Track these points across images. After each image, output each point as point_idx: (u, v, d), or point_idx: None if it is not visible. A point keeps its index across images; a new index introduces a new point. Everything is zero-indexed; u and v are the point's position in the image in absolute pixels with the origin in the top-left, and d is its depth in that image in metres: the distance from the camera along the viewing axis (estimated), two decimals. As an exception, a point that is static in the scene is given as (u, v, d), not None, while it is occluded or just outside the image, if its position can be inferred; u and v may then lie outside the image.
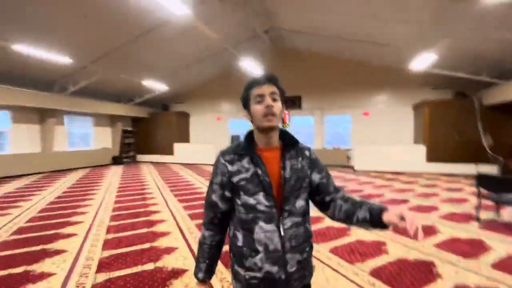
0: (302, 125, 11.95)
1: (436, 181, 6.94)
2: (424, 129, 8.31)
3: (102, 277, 2.30)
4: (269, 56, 10.68)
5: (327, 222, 3.67)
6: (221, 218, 0.99)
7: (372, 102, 9.99)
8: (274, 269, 0.89)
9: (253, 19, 7.74)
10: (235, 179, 0.93)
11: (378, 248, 2.86)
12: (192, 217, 3.92)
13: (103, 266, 2.49)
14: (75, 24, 6.17)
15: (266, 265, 0.89)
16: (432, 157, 8.20)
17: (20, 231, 3.43)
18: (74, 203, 4.88)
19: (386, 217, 0.83)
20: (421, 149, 8.33)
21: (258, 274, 0.90)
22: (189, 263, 2.53)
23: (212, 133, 12.48)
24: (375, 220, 0.86)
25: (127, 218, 3.97)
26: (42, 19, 5.71)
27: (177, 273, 2.37)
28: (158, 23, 6.74)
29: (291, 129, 11.36)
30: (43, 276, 2.32)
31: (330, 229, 3.41)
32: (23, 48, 5.69)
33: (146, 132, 12.58)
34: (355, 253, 2.75)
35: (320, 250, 2.80)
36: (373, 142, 9.37)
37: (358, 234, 3.23)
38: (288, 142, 1.01)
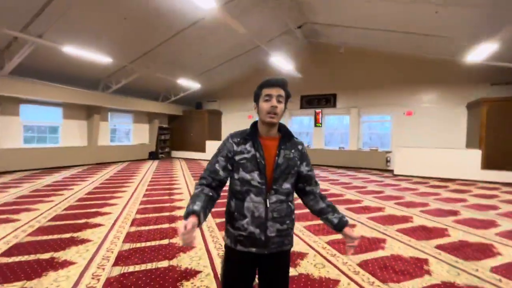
0: (336, 125, 11.35)
1: (493, 191, 5.99)
2: (480, 132, 7.25)
3: (117, 270, 2.29)
4: (302, 52, 10.29)
5: (359, 231, 3.31)
6: (217, 185, 1.17)
7: (417, 100, 9.05)
8: (257, 231, 1.12)
9: (286, 14, 7.48)
10: (238, 157, 1.15)
11: (418, 266, 2.45)
12: (214, 215, 3.84)
13: (120, 259, 2.49)
14: (116, 26, 6.54)
15: (251, 227, 1.12)
16: (489, 163, 7.13)
17: (56, 218, 3.67)
18: (108, 194, 5.14)
19: (347, 231, 1.17)
20: (476, 154, 7.28)
21: (244, 233, 1.12)
22: (203, 264, 2.42)
23: (243, 131, 12.44)
24: (338, 227, 1.19)
25: (152, 212, 4.03)
26: (87, 23, 6.13)
27: (189, 274, 2.26)
28: (191, 22, 6.85)
29: (325, 129, 10.84)
30: (65, 264, 2.39)
31: (361, 240, 3.05)
32: (72, 50, 6.17)
33: (181, 129, 13.04)
34: (389, 270, 2.38)
35: (348, 262, 2.49)
36: (417, 144, 8.46)
37: (394, 248, 2.83)
38: (285, 135, 1.22)
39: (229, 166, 1.17)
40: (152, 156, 12.06)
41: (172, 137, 13.32)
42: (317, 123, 10.76)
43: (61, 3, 5.09)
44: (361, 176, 7.93)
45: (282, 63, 7.99)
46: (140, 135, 12.02)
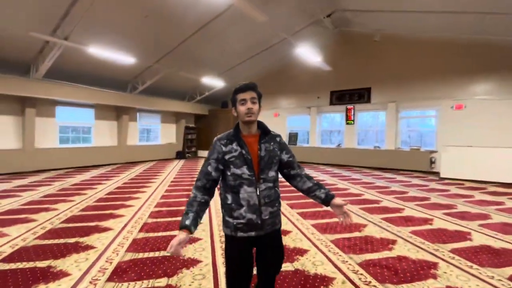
0: (370, 122, 10.39)
1: None
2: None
3: (109, 287, 2.01)
4: (331, 44, 9.55)
5: (368, 230, 2.69)
6: (211, 185, 1.34)
7: (468, 92, 7.82)
8: (253, 217, 1.31)
9: (313, 2, 6.87)
10: (227, 156, 1.32)
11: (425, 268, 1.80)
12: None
13: (117, 273, 2.22)
14: (138, 25, 6.50)
15: (248, 214, 1.30)
16: None
17: (70, 219, 3.58)
18: (127, 194, 5.06)
19: (335, 201, 1.43)
20: (548, 155, 6.00)
21: (243, 221, 1.30)
22: (206, 286, 2.04)
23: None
24: (326, 201, 1.44)
25: (165, 215, 3.79)
26: (109, 23, 6.16)
27: (187, 298, 1.90)
28: (212, 15, 6.58)
29: (357, 126, 9.96)
30: (58, 275, 2.17)
31: (369, 239, 2.44)
32: (97, 51, 6.26)
33: (207, 129, 12.99)
34: (398, 273, 1.78)
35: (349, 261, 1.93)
36: (468, 143, 7.29)
37: (451, 278, 2.18)
38: (263, 131, 1.41)
39: (220, 166, 1.33)
40: (179, 155, 12.16)
41: (199, 136, 13.35)
42: (348, 120, 9.93)
43: (84, 3, 5.12)
44: (400, 179, 7.03)
45: (309, 55, 7.36)
46: (167, 134, 12.19)
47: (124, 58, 6.84)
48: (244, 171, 1.30)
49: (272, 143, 1.39)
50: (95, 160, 9.10)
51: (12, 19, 5.32)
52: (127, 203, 4.45)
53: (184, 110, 11.85)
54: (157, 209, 4.11)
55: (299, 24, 7.85)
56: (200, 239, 2.49)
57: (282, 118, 11.76)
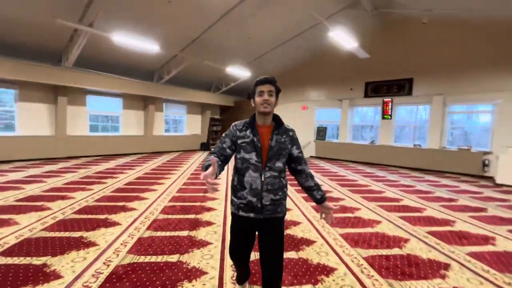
0: (409, 117, 9.34)
1: None
2: None
3: (98, 298, 1.74)
4: (369, 29, 8.59)
5: (382, 227, 2.10)
6: (223, 160, 1.43)
7: (538, 83, 6.54)
8: (254, 199, 1.40)
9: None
10: (239, 141, 1.43)
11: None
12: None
13: (110, 281, 1.94)
14: (162, 11, 6.27)
15: (249, 196, 1.40)
16: None
17: (82, 210, 3.46)
18: (145, 186, 4.92)
19: (327, 204, 1.55)
20: None
21: (244, 201, 1.42)
22: (207, 309, 1.68)
23: (295, 123, 11.39)
24: (319, 202, 1.55)
25: (178, 212, 3.52)
26: (133, 9, 6.00)
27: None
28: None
29: (395, 122, 8.99)
30: (49, 278, 1.95)
31: (413, 259, 1.87)
32: (121, 38, 6.16)
33: (232, 120, 12.36)
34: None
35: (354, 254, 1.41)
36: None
37: (460, 280, 1.58)
38: (278, 124, 1.49)
39: (233, 147, 1.46)
40: (204, 147, 12.08)
41: (224, 128, 13.15)
42: (385, 114, 8.99)
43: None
44: (446, 183, 6.12)
45: (345, 41, 6.53)
46: (193, 126, 12.15)
47: (148, 46, 6.69)
48: (252, 156, 1.40)
49: (284, 136, 1.46)
50: (123, 149, 9.28)
51: (38, 6, 5.36)
52: (143, 195, 4.28)
53: (210, 101, 11.67)
54: (171, 204, 3.87)
55: (334, 6, 7.09)
56: (204, 273, 2.08)
57: (310, 111, 11.08)
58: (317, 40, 8.72)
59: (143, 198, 4.08)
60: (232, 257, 1.58)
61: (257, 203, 1.39)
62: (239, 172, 1.43)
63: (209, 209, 3.65)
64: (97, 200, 3.93)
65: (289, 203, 3.95)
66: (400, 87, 8.73)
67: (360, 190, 5.21)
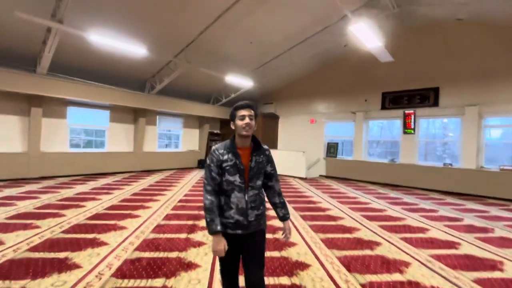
0: (435, 132, 8.19)
1: None
2: None
3: None
4: (390, 30, 7.63)
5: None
6: (217, 188, 1.51)
7: None
8: (241, 218, 1.48)
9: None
10: (224, 165, 1.49)
11: None
12: None
13: None
14: (150, 9, 5.39)
15: (236, 215, 1.48)
16: None
17: (69, 230, 3.12)
18: (128, 210, 3.88)
19: (285, 224, 1.65)
20: None
21: (231, 220, 1.48)
22: None
23: (303, 138, 10.32)
24: (280, 219, 1.66)
25: (139, 274, 2.35)
26: (115, 3, 5.12)
27: None
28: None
29: (418, 137, 7.83)
30: None
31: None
32: (100, 38, 5.23)
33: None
34: None
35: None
36: None
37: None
38: (256, 145, 1.57)
39: (219, 171, 1.50)
40: (201, 164, 10.96)
41: (224, 143, 12.05)
42: (407, 128, 7.85)
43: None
44: (498, 214, 4.86)
45: (368, 38, 5.33)
46: (189, 141, 11.10)
47: (133, 49, 5.76)
48: (236, 178, 1.48)
49: (262, 156, 1.57)
50: (108, 167, 8.20)
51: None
52: (121, 223, 3.17)
53: (209, 114, 10.68)
54: (135, 254, 2.68)
55: (352, 4, 6.16)
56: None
57: (319, 125, 9.99)
58: (327, 46, 7.77)
59: (99, 244, 2.91)
60: (223, 277, 1.59)
61: (244, 221, 1.48)
62: (225, 194, 1.50)
63: (189, 267, 2.46)
64: (65, 231, 2.83)
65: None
66: (424, 98, 7.64)
67: (398, 227, 3.98)
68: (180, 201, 5.05)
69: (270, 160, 1.63)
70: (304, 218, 4.21)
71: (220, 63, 8.04)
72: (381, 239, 3.38)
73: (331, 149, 9.59)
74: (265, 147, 1.62)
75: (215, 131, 11.93)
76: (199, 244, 2.99)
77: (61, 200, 4.78)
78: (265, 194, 1.64)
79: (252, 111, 1.51)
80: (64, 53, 6.25)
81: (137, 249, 2.81)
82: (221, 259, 1.53)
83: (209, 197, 1.47)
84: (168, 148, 10.58)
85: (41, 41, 5.76)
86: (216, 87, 10.10)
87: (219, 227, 1.42)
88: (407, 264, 2.66)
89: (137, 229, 3.40)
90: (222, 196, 1.51)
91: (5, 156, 6.37)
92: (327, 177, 9.37)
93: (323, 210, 4.77)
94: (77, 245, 2.83)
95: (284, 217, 1.64)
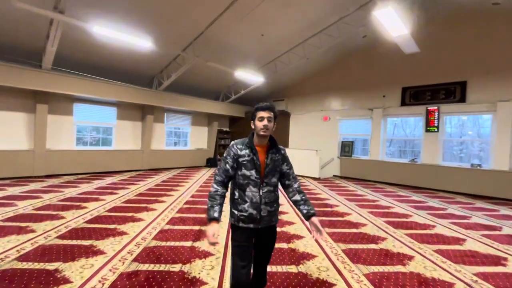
0: (461, 130, 7.59)
1: None
2: None
3: None
4: (412, 19, 7.08)
5: None
6: (228, 180, 1.58)
7: None
8: (254, 212, 1.53)
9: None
10: (241, 159, 1.55)
11: None
12: None
13: None
14: (158, 4, 5.09)
15: (250, 209, 1.53)
16: None
17: (65, 235, 2.80)
18: (129, 213, 3.53)
19: (313, 220, 1.55)
20: None
21: (245, 213, 1.53)
22: None
23: (315, 137, 9.85)
24: (306, 217, 1.59)
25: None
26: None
27: None
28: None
29: (443, 135, 7.26)
30: None
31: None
32: (103, 30, 4.97)
33: (242, 133, 11.27)
34: None
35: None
36: None
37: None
38: (272, 144, 1.62)
39: (234, 165, 1.57)
40: (210, 163, 10.68)
41: (233, 142, 11.73)
42: (430, 126, 7.28)
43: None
44: (540, 222, 4.32)
45: (394, 24, 4.71)
46: (198, 139, 10.83)
47: (139, 42, 5.48)
48: (253, 173, 1.53)
49: (277, 155, 1.62)
50: (115, 165, 8.01)
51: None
52: (100, 245, 2.81)
53: (218, 111, 10.37)
54: (133, 267, 2.36)
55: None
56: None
57: (333, 123, 9.51)
58: (343, 37, 7.27)
59: (95, 253, 2.61)
60: (236, 267, 1.52)
61: (257, 215, 1.53)
62: (240, 188, 1.55)
63: (192, 284, 2.11)
64: (59, 237, 2.61)
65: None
66: (449, 92, 7.06)
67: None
68: (186, 202, 4.74)
69: (286, 159, 1.67)
70: (322, 224, 3.81)
71: (229, 58, 7.69)
72: (412, 251, 2.94)
73: (346, 148, 9.10)
74: (281, 147, 1.67)
75: (224, 129, 11.62)
76: (205, 255, 2.64)
77: (63, 200, 4.56)
78: (279, 193, 1.67)
79: (272, 113, 1.56)
80: (69, 48, 6.06)
81: (136, 259, 2.49)
82: (234, 250, 1.55)
83: (216, 186, 1.54)
84: (177, 146, 10.34)
85: (45, 35, 5.55)
86: (225, 83, 9.77)
87: (216, 214, 1.47)
88: (450, 286, 2.24)
89: (138, 234, 3.09)
90: (237, 190, 1.57)
91: (11, 153, 6.24)
92: (341, 177, 8.90)
93: (342, 215, 4.36)
94: (71, 254, 2.54)
95: (308, 214, 1.58)
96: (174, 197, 5.10)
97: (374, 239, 3.27)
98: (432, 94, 7.31)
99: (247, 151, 1.54)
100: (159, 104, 8.59)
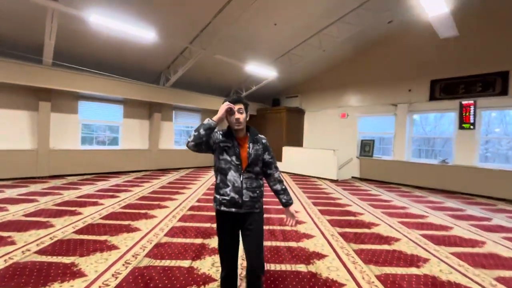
0: (503, 127, 6.73)
1: None
2: None
3: None
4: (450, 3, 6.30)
5: None
6: (201, 146, 1.55)
7: None
8: (236, 196, 1.56)
9: None
10: (222, 144, 1.59)
11: None
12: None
13: None
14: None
15: (232, 193, 1.56)
16: None
17: (47, 249, 1.82)
18: (104, 235, 3.04)
19: (290, 209, 1.71)
20: None
21: (227, 197, 1.56)
22: None
23: (332, 135, 9.19)
24: (283, 205, 1.73)
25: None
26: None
27: None
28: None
29: (480, 133, 6.43)
30: None
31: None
32: (101, 19, 4.57)
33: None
34: None
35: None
36: None
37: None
38: (252, 134, 1.67)
39: (211, 142, 1.60)
40: (220, 163, 10.21)
41: (244, 141, 11.24)
42: (464, 122, 6.47)
43: None
44: None
45: (431, 2, 4.05)
46: (208, 138, 10.38)
47: (143, 34, 5.06)
48: (233, 159, 1.57)
49: (259, 144, 1.66)
50: (121, 165, 7.69)
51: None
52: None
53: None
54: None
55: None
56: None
57: (351, 120, 8.81)
58: (365, 25, 6.56)
59: (73, 275, 2.16)
60: (221, 254, 1.66)
61: (239, 199, 1.56)
62: (222, 172, 1.59)
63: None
64: (51, 245, 2.15)
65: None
66: (487, 85, 6.22)
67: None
68: (191, 208, 4.27)
69: (267, 149, 1.70)
70: (346, 237, 3.23)
71: (239, 50, 7.17)
72: (466, 279, 2.31)
73: (366, 147, 8.38)
74: (261, 136, 1.71)
75: (235, 128, 11.14)
76: (205, 280, 2.13)
77: (59, 204, 4.20)
78: (263, 182, 1.70)
79: (242, 104, 1.61)
80: (70, 42, 5.75)
81: (119, 286, 2.01)
82: (219, 235, 1.64)
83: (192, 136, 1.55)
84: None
85: (43, 28, 5.24)
86: (235, 79, 9.27)
87: (210, 120, 1.54)
88: None
89: (129, 250, 2.63)
90: (219, 174, 1.61)
91: (13, 153, 6.01)
92: (361, 179, 8.20)
93: (368, 225, 3.74)
94: (45, 276, 2.10)
95: (287, 203, 1.72)
96: (179, 201, 4.65)
97: (414, 260, 2.66)
98: (466, 86, 6.49)
99: (229, 140, 1.60)
100: (167, 101, 8.21)
